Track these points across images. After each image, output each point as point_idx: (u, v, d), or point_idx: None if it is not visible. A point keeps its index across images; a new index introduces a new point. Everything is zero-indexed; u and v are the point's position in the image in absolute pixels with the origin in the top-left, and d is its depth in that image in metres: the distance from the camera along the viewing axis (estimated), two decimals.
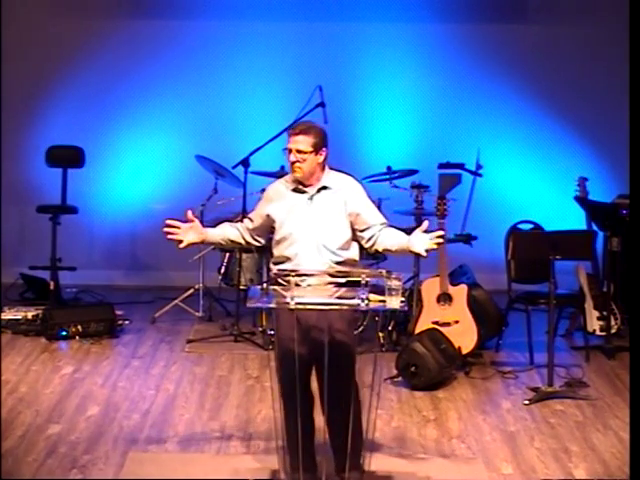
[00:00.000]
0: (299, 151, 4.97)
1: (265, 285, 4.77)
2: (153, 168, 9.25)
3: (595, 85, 9.11)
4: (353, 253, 5.03)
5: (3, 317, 7.79)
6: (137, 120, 9.18)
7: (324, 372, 4.84)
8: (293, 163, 4.99)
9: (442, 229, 7.16)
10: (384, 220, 5.07)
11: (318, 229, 4.97)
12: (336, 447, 4.96)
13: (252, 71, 9.07)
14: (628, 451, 5.30)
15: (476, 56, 9.12)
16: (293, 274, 4.82)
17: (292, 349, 4.84)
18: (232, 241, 5.16)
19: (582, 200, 7.82)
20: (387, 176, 7.75)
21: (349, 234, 5.01)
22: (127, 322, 7.95)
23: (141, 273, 9.37)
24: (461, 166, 7.90)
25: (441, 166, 7.83)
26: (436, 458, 5.53)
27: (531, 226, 7.68)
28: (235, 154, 7.64)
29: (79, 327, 7.56)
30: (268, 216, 5.06)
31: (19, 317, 7.82)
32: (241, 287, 7.66)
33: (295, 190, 5.04)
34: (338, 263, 4.96)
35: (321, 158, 5.02)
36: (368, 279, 4.69)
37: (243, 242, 5.17)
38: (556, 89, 9.13)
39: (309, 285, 4.88)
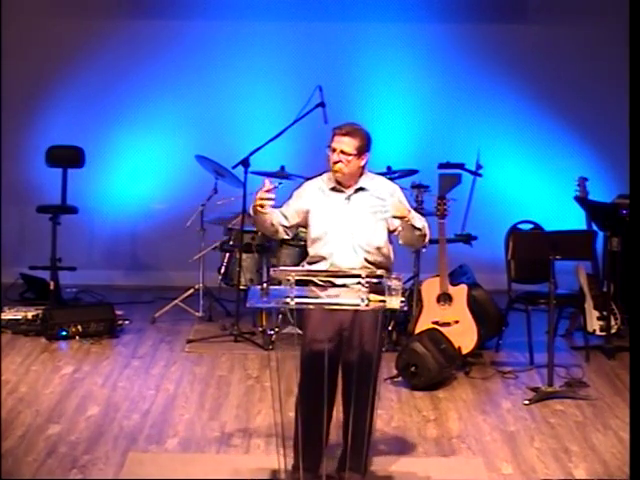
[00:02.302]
0: (343, 152, 5.01)
1: (265, 285, 4.79)
2: (153, 168, 9.25)
3: (595, 85, 9.11)
4: (388, 254, 5.07)
5: (3, 317, 7.79)
6: (137, 120, 9.17)
7: (349, 373, 4.87)
8: (335, 163, 5.01)
9: (442, 229, 7.18)
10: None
11: (354, 229, 5.02)
12: (347, 447, 4.97)
13: (252, 71, 9.07)
14: (628, 451, 5.30)
15: (476, 56, 9.12)
16: (324, 274, 4.90)
17: (322, 347, 4.84)
18: (272, 225, 5.11)
19: (582, 200, 7.82)
20: (387, 176, 7.73)
21: (385, 235, 5.05)
22: (127, 322, 7.94)
23: (141, 273, 9.37)
24: (461, 166, 7.90)
25: (441, 166, 7.83)
26: (436, 458, 5.54)
27: (531, 226, 7.68)
28: (235, 154, 7.63)
29: (79, 327, 7.56)
30: (307, 212, 5.09)
31: (19, 317, 7.81)
32: (241, 287, 7.66)
33: (333, 189, 5.08)
34: (373, 263, 4.98)
35: (363, 162, 5.07)
36: (368, 279, 4.71)
37: (279, 230, 5.14)
38: (556, 89, 9.13)
39: (345, 285, 4.90)
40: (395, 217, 4.93)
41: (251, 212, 5.12)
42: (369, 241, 5.03)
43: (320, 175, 5.22)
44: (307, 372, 4.94)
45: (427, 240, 5.10)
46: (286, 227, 5.15)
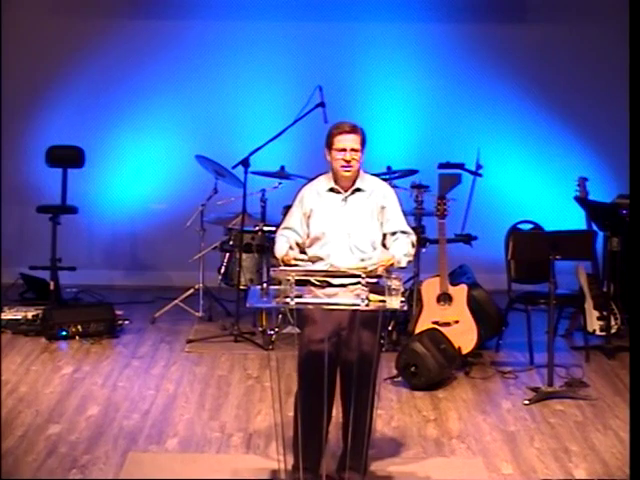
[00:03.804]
0: (353, 149, 5.01)
1: (265, 285, 4.78)
2: (153, 168, 9.25)
3: (595, 85, 9.10)
4: None
5: (3, 317, 7.79)
6: (137, 120, 9.17)
7: (347, 372, 4.88)
8: (348, 162, 5.00)
9: (442, 229, 7.18)
10: (406, 229, 5.11)
11: (351, 230, 5.03)
12: (347, 447, 4.97)
13: (252, 71, 9.07)
14: (628, 451, 5.30)
15: (476, 56, 9.12)
16: (322, 273, 4.89)
17: (320, 347, 4.84)
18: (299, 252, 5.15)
19: (582, 200, 7.82)
20: (387, 176, 7.74)
21: (380, 236, 5.05)
22: (127, 322, 7.94)
23: (141, 273, 9.37)
24: (461, 166, 7.90)
25: (441, 166, 7.83)
26: (436, 458, 5.54)
27: (531, 226, 7.68)
28: (235, 154, 7.64)
29: (79, 327, 7.56)
30: (312, 211, 5.07)
31: (19, 317, 7.81)
32: (241, 287, 7.66)
33: (330, 190, 5.08)
34: None
35: (363, 157, 5.06)
36: (368, 279, 4.71)
37: (301, 248, 5.16)
38: (556, 89, 9.13)
39: (342, 285, 4.90)
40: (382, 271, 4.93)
41: (280, 260, 5.07)
42: (366, 242, 5.04)
43: (313, 180, 5.23)
44: (305, 372, 4.93)
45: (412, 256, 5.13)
46: (302, 242, 5.13)
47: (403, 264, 5.01)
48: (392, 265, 4.93)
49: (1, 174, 9.07)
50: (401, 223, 5.12)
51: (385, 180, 7.65)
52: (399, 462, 5.44)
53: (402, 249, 5.01)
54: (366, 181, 5.14)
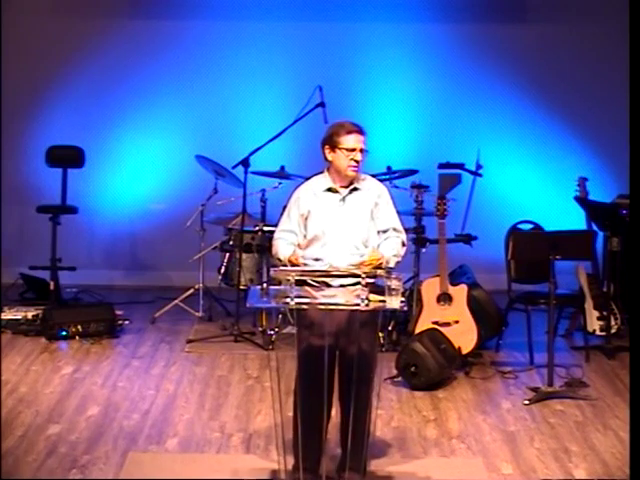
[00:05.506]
0: (361, 150, 5.01)
1: (265, 285, 4.78)
2: (153, 168, 9.25)
3: (595, 85, 9.11)
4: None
5: (3, 317, 7.79)
6: (137, 120, 9.18)
7: (346, 372, 4.87)
8: (358, 162, 4.99)
9: (442, 229, 7.18)
10: (397, 226, 5.11)
11: (350, 229, 5.02)
12: (345, 447, 4.96)
13: (252, 71, 9.07)
14: (628, 451, 5.30)
15: (476, 56, 9.12)
16: (319, 274, 4.87)
17: (319, 346, 4.84)
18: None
19: (582, 200, 7.82)
20: (387, 176, 7.75)
21: (376, 234, 5.05)
22: (127, 322, 7.94)
23: (141, 273, 9.38)
24: (461, 166, 7.90)
25: (441, 166, 7.83)
26: (436, 458, 5.54)
27: (531, 226, 7.68)
28: (235, 154, 7.64)
29: (79, 327, 7.57)
30: (309, 212, 5.05)
31: (19, 317, 7.81)
32: (241, 287, 7.66)
33: (328, 190, 5.07)
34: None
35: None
36: (368, 279, 4.70)
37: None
38: (556, 89, 9.13)
39: (341, 285, 4.90)
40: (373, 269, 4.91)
41: (286, 261, 5.05)
42: (365, 241, 5.03)
43: (307, 180, 5.22)
44: (305, 369, 4.92)
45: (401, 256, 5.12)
46: (300, 244, 5.12)
47: (392, 264, 5.00)
48: (381, 265, 4.92)
49: (1, 174, 9.08)
50: (393, 220, 5.11)
51: (385, 180, 7.73)
52: (399, 462, 5.44)
53: (391, 249, 5.01)
54: (362, 180, 5.13)
